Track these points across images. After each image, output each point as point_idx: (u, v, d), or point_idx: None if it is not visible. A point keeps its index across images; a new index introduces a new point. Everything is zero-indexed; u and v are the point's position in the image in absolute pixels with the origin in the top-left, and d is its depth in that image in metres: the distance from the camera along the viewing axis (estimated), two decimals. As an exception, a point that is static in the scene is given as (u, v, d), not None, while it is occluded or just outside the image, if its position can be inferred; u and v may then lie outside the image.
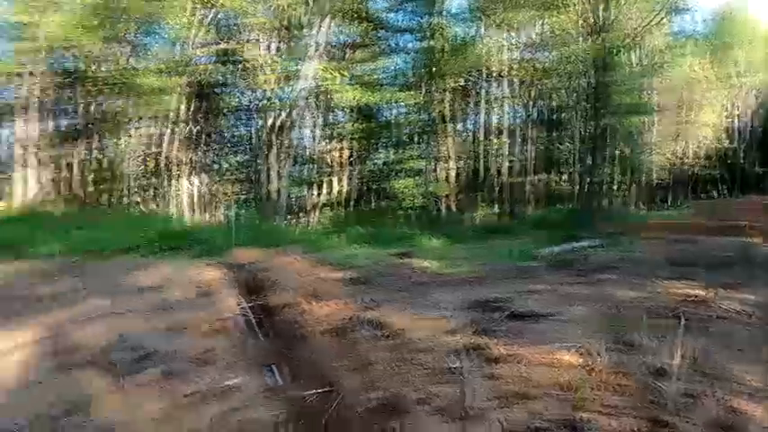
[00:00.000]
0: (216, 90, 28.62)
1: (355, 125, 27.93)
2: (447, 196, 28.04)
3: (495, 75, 29.33)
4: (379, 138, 31.89)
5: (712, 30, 34.01)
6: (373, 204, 33.73)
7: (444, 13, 27.65)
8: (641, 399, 2.97)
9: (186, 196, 26.66)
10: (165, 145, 23.61)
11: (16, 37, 19.72)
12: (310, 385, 4.11)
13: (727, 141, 34.78)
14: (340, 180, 29.88)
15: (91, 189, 24.94)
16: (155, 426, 3.82)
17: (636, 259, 10.30)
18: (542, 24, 26.53)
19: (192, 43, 22.18)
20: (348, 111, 28.51)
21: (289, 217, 24.67)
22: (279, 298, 6.29)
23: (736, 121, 35.00)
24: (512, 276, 8.73)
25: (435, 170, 28.55)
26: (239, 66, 24.46)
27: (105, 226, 14.54)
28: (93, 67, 22.24)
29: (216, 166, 32.88)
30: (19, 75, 19.52)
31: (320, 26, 20.89)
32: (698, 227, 15.39)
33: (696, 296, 6.03)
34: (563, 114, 31.70)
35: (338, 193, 29.76)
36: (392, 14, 29.41)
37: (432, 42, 26.97)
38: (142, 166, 28.01)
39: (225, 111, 30.94)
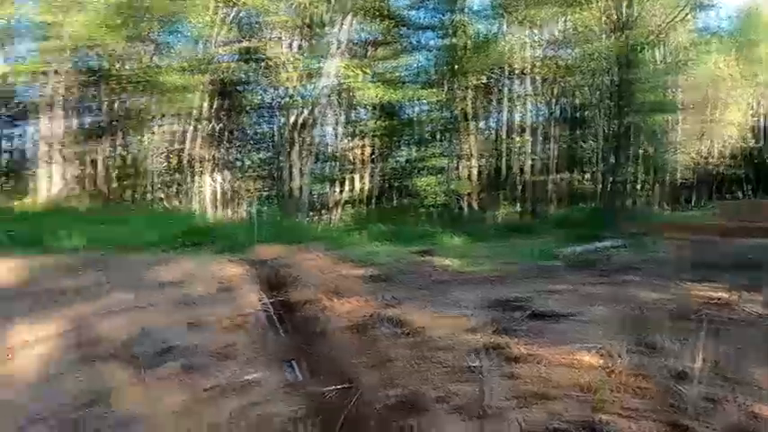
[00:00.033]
0: (238, 88, 28.77)
1: (377, 123, 27.93)
2: (469, 194, 27.95)
3: (517, 72, 29.16)
4: (401, 135, 31.85)
5: (737, 26, 33.42)
6: (395, 202, 33.72)
7: (466, 10, 27.54)
8: (661, 402, 2.94)
9: (209, 193, 26.87)
10: (188, 142, 23.81)
11: (41, 36, 19.99)
12: (330, 381, 4.13)
13: (753, 140, 34.11)
14: (362, 177, 29.90)
15: (115, 185, 25.20)
16: (175, 418, 3.87)
17: (659, 260, 10.20)
18: (565, 21, 26.31)
19: (214, 41, 22.33)
20: (370, 108, 28.51)
21: (311, 214, 24.76)
22: (300, 294, 6.32)
23: (762, 119, 34.33)
24: (533, 275, 8.68)
25: (457, 168, 28.46)
26: (261, 63, 24.58)
27: (129, 221, 14.70)
28: (117, 66, 22.48)
29: (238, 163, 33.07)
30: (44, 73, 19.78)
31: (342, 24, 20.91)
32: (722, 228, 15.19)
33: (719, 299, 5.96)
34: (586, 112, 31.41)
35: (360, 190, 29.77)
36: (414, 12, 29.34)
37: (454, 40, 26.88)
38: (165, 163, 28.26)
39: (247, 108, 31.09)
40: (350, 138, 29.77)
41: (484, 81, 29.08)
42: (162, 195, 27.20)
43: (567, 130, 31.11)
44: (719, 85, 31.01)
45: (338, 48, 21.05)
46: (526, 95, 29.79)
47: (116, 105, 24.45)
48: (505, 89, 29.70)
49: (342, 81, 23.23)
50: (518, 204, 29.02)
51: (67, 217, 15.60)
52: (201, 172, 26.25)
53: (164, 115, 25.47)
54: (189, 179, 25.28)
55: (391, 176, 34.47)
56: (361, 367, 3.95)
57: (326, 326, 5.06)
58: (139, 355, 4.74)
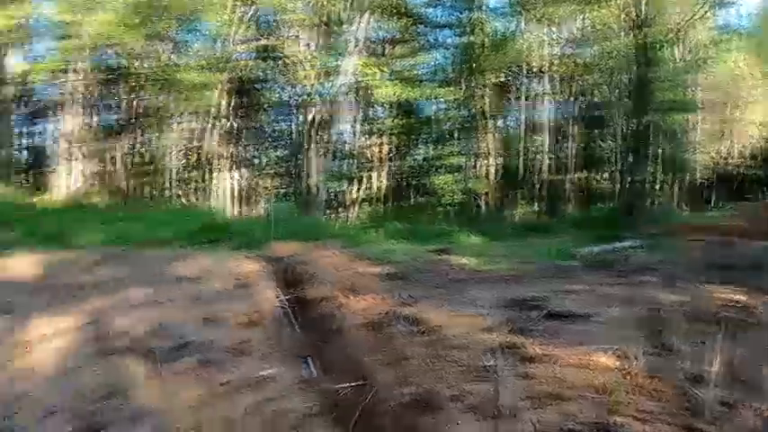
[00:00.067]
0: (256, 86, 28.91)
1: (395, 121, 27.94)
2: (486, 193, 27.88)
3: (535, 70, 29.04)
4: (418, 133, 31.82)
5: (757, 24, 32.96)
6: (412, 200, 33.72)
7: (484, 7, 27.45)
8: (677, 405, 2.92)
9: (227, 190, 27.01)
10: (206, 139, 23.94)
11: (60, 35, 20.18)
12: (344, 378, 4.14)
13: (774, 140, 33.67)
14: (379, 175, 29.92)
15: (133, 182, 25.42)
16: (191, 413, 3.90)
17: (677, 261, 10.10)
18: (583, 19, 26.12)
19: (232, 40, 22.43)
20: (388, 106, 28.52)
21: (328, 211, 24.82)
22: (316, 291, 6.34)
23: (783, 118, 33.85)
24: (550, 275, 8.65)
25: (475, 167, 28.39)
26: (279, 62, 24.67)
27: (147, 218, 14.82)
28: (136, 64, 22.66)
29: (256, 161, 33.24)
30: (63, 72, 19.96)
31: (359, 22, 20.91)
32: (741, 229, 15.02)
33: (738, 301, 5.90)
34: (604, 111, 31.20)
35: (377, 188, 29.80)
36: (431, 9, 29.32)
37: (471, 38, 26.80)
38: (183, 160, 28.48)
39: (265, 106, 31.24)
40: (367, 136, 29.81)
41: (501, 79, 28.99)
42: (180, 192, 27.39)
43: (585, 128, 30.94)
44: (739, 84, 30.62)
45: (356, 46, 21.06)
46: (544, 94, 29.66)
47: (135, 103, 24.66)
48: (523, 87, 29.60)
49: (359, 79, 23.23)
50: (535, 204, 28.91)
51: (86, 213, 15.77)
52: (219, 169, 26.40)
53: (182, 113, 25.65)
54: (207, 176, 25.44)
55: (408, 175, 34.47)
56: (376, 365, 3.96)
57: (342, 323, 5.08)
58: (156, 350, 4.79)
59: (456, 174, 27.24)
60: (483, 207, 28.03)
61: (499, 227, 21.09)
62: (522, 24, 28.12)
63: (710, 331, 4.45)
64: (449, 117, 29.54)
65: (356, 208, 26.72)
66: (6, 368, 4.45)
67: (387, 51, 26.87)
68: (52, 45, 22.05)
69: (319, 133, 23.25)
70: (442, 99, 28.18)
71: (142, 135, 26.76)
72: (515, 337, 4.11)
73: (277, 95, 31.39)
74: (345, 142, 30.76)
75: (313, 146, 22.75)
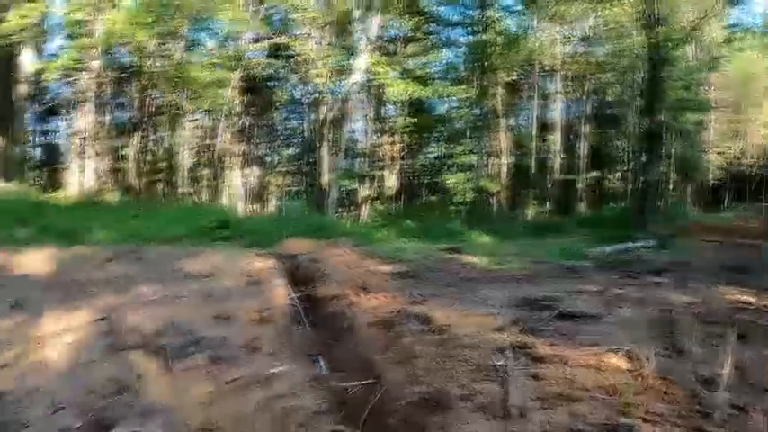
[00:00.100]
0: (268, 84, 29.02)
1: (407, 119, 27.92)
2: (498, 192, 27.82)
3: (547, 69, 28.97)
4: (430, 132, 31.85)
5: (770, 23, 32.68)
6: (424, 199, 33.79)
7: (496, 6, 27.38)
8: (687, 408, 2.90)
9: (238, 188, 27.11)
10: (218, 137, 24.01)
11: (74, 34, 20.29)
12: (354, 376, 4.15)
13: (789, 141, 33.36)
14: (391, 174, 29.95)
15: (145, 180, 25.55)
16: (201, 409, 3.92)
17: (689, 262, 10.06)
18: (596, 17, 25.98)
19: (244, 38, 22.48)
20: (399, 105, 28.53)
21: (339, 209, 24.84)
22: (327, 289, 6.36)
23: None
24: (561, 275, 8.63)
25: (487, 165, 28.35)
26: (291, 60, 24.71)
27: (159, 215, 14.89)
28: (148, 62, 22.74)
29: (268, 159, 33.39)
30: (77, 70, 20.07)
31: (371, 20, 20.90)
32: (754, 230, 14.95)
33: (750, 303, 5.86)
34: (617, 110, 31.08)
35: (389, 186, 29.83)
36: (443, 8, 29.32)
37: (484, 36, 26.74)
38: (195, 158, 28.64)
39: (277, 104, 31.37)
40: (379, 134, 29.83)
41: (513, 78, 28.93)
42: (192, 190, 27.54)
43: (597, 128, 30.85)
44: (754, 83, 30.36)
45: (367, 44, 21.04)
46: (556, 93, 29.58)
47: (147, 101, 24.77)
48: (535, 86, 29.51)
49: (371, 77, 23.23)
50: (547, 203, 28.82)
51: (99, 210, 15.87)
52: (231, 167, 26.50)
53: (194, 111, 25.78)
54: (218, 174, 25.52)
55: (420, 173, 34.53)
56: (386, 363, 3.97)
57: (353, 321, 5.09)
58: (167, 347, 4.81)
59: (468, 172, 27.17)
60: (494, 206, 27.98)
61: (510, 226, 21.04)
62: (535, 23, 28.03)
63: (722, 333, 4.43)
64: (460, 116, 29.50)
65: (368, 206, 26.74)
66: (19, 363, 4.49)
67: (398, 50, 26.87)
68: (65, 44, 22.22)
69: (331, 131, 23.26)
70: (453, 98, 28.10)
71: (154, 133, 26.94)
72: (526, 336, 4.10)
73: (289, 94, 31.52)
74: (357, 141, 30.83)
75: (325, 144, 22.78)
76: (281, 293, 6.62)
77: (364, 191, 28.30)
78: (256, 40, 23.50)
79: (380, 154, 29.97)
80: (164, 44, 22.05)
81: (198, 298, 6.27)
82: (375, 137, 30.26)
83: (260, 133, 31.86)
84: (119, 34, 18.97)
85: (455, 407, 3.02)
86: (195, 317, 5.61)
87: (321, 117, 24.12)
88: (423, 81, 25.28)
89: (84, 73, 20.25)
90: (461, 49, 30.73)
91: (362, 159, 30.80)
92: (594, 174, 30.81)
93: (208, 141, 26.64)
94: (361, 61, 20.93)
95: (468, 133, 29.34)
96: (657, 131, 19.76)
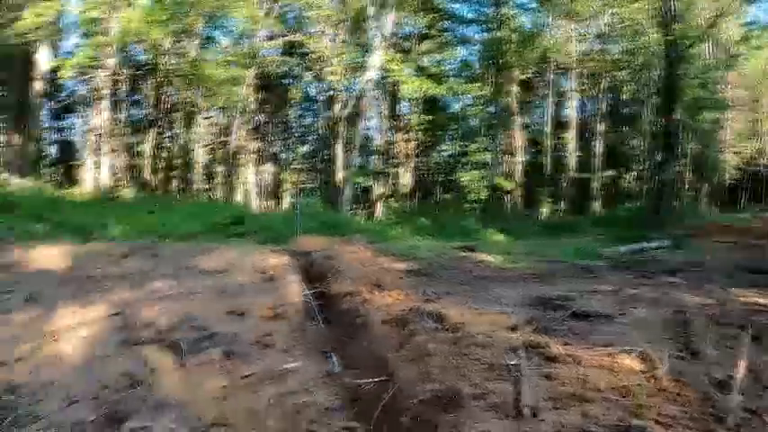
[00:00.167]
0: (283, 81, 29.09)
1: (421, 117, 27.90)
2: (512, 190, 27.74)
3: (562, 66, 28.82)
4: (444, 130, 31.82)
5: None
6: (438, 197, 33.76)
7: (511, 3, 27.29)
8: (700, 410, 2.88)
9: (253, 184, 27.20)
10: (232, 134, 24.10)
11: (89, 32, 20.42)
12: (367, 373, 4.16)
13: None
14: (405, 171, 29.94)
15: (161, 176, 25.70)
16: (214, 403, 3.95)
17: (704, 263, 9.99)
18: (611, 15, 25.82)
19: (258, 36, 22.53)
20: (414, 102, 28.51)
21: (354, 207, 24.87)
22: (341, 286, 6.37)
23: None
24: (576, 275, 8.60)
25: (501, 163, 28.27)
26: (306, 57, 24.75)
27: (174, 212, 14.99)
28: (164, 60, 22.85)
29: (282, 156, 33.49)
30: (92, 68, 20.20)
31: (386, 17, 20.88)
32: (772, 231, 14.82)
33: (765, 305, 5.79)
34: (632, 108, 30.89)
35: (403, 184, 29.83)
36: (458, 5, 29.30)
37: (498, 33, 26.65)
38: (210, 155, 28.77)
39: (291, 101, 31.45)
40: (393, 132, 29.82)
41: (528, 75, 28.83)
42: (207, 186, 27.69)
43: (613, 126, 30.66)
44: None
45: (382, 41, 21.02)
46: (571, 91, 29.43)
47: (162, 98, 24.90)
48: (550, 84, 29.39)
49: (385, 75, 23.22)
50: (562, 202, 28.70)
51: (114, 206, 15.98)
52: (246, 164, 26.60)
53: (209, 108, 25.88)
54: (233, 171, 25.62)
55: (434, 171, 34.51)
56: (399, 361, 3.98)
57: (366, 318, 5.10)
58: (181, 342, 4.85)
59: (482, 170, 27.13)
60: (509, 204, 27.90)
61: (525, 225, 20.99)
62: (549, 20, 27.90)
63: (736, 335, 4.39)
64: (475, 113, 29.43)
65: (382, 203, 26.75)
66: (34, 357, 4.54)
67: (413, 47, 26.83)
68: (81, 42, 22.37)
69: (345, 129, 23.29)
70: (468, 95, 28.02)
71: (170, 130, 27.09)
72: (539, 336, 4.09)
73: (303, 91, 31.58)
74: (371, 138, 30.85)
75: (339, 141, 22.82)
76: (294, 290, 6.64)
77: (378, 188, 28.32)
78: (271, 38, 23.55)
79: (395, 151, 29.98)
80: (179, 42, 22.16)
81: (212, 294, 6.31)
82: (389, 134, 30.26)
83: (274, 130, 31.97)
84: (134, 32, 19.09)
85: (467, 405, 3.02)
86: (209, 312, 5.65)
87: (335, 114, 24.16)
88: (437, 78, 25.24)
89: (99, 70, 20.39)
90: (476, 47, 30.70)
91: (377, 157, 30.82)
92: (609, 173, 30.63)
93: (222, 138, 26.76)
94: (376, 58, 20.92)
95: (482, 131, 29.28)
96: (673, 130, 19.60)
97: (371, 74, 21.25)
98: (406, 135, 29.69)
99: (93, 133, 21.51)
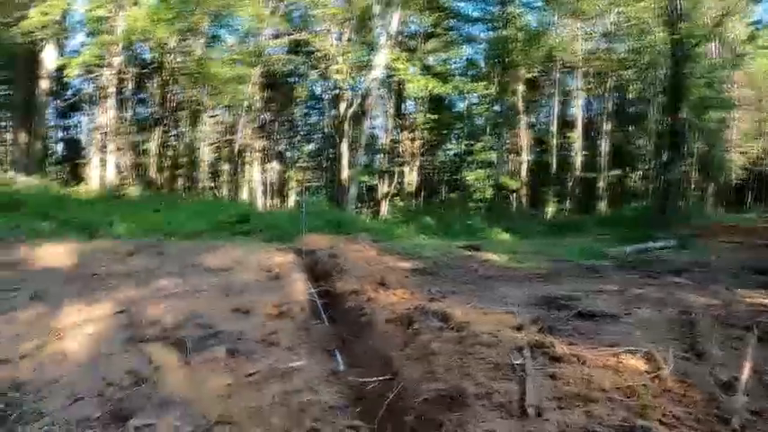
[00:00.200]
0: (288, 80, 29.11)
1: (427, 115, 27.90)
2: (518, 189, 27.73)
3: (568, 65, 28.78)
4: (450, 129, 31.82)
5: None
6: (443, 195, 33.78)
7: (517, 2, 27.26)
8: (705, 412, 2.87)
9: (258, 183, 27.25)
10: (238, 133, 24.14)
11: (95, 31, 20.48)
12: (371, 372, 4.16)
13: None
14: (411, 170, 29.95)
15: (166, 174, 25.75)
16: (218, 401, 3.96)
17: (710, 263, 9.96)
18: (618, 14, 25.76)
19: (264, 34, 22.55)
20: (420, 101, 28.51)
21: (359, 205, 24.90)
22: (346, 284, 6.38)
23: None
24: (581, 274, 8.59)
25: (507, 162, 28.27)
26: (311, 56, 24.77)
27: (180, 210, 15.03)
28: (169, 59, 22.90)
29: (288, 154, 33.55)
30: (98, 66, 20.25)
31: (392, 16, 20.87)
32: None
33: (772, 307, 5.77)
34: (638, 108, 30.82)
35: (408, 182, 29.84)
36: (463, 3, 29.30)
37: (504, 32, 26.63)
38: (216, 153, 28.83)
39: (297, 100, 31.48)
40: (399, 130, 29.84)
41: (534, 74, 28.79)
42: (212, 185, 27.75)
43: (619, 125, 30.60)
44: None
45: (387, 40, 21.02)
46: (577, 89, 29.39)
47: (168, 97, 24.95)
48: (556, 83, 29.35)
49: (391, 73, 23.22)
50: (567, 201, 28.67)
51: (120, 204, 16.03)
52: (251, 162, 26.65)
53: (215, 107, 25.93)
54: (239, 169, 25.67)
55: (440, 170, 34.53)
56: (404, 360, 3.97)
57: (371, 317, 5.10)
58: (186, 339, 4.86)
59: (487, 169, 27.12)
60: (514, 203, 27.90)
61: (530, 224, 20.99)
62: (555, 18, 27.86)
63: (742, 336, 4.38)
64: (481, 112, 29.43)
65: (387, 202, 26.77)
66: (38, 354, 4.56)
67: (419, 45, 26.83)
68: (87, 40, 22.43)
69: (351, 127, 23.31)
70: (473, 94, 28.02)
71: (175, 128, 27.14)
72: (544, 336, 4.08)
73: (309, 90, 31.61)
74: (377, 137, 30.88)
75: (344, 140, 22.83)
76: (299, 288, 6.65)
77: (384, 187, 28.34)
78: (276, 37, 23.57)
79: (400, 150, 29.99)
80: (184, 40, 22.20)
81: (217, 292, 6.33)
82: (395, 133, 30.27)
83: (280, 129, 32.01)
84: (140, 31, 19.12)
85: (472, 405, 3.01)
86: (214, 310, 5.67)
87: (341, 113, 24.17)
88: (443, 77, 25.22)
89: (105, 69, 20.44)
90: (482, 46, 30.69)
91: (382, 155, 30.84)
92: (615, 172, 30.59)
93: (228, 137, 26.81)
94: (382, 57, 20.92)
95: (488, 130, 29.26)
96: (679, 129, 19.54)
97: (377, 72, 21.26)
98: (412, 134, 29.69)
99: (99, 131, 21.56)
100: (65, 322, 5.15)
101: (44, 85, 20.92)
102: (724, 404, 2.99)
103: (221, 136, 27.95)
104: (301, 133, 35.10)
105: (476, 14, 29.60)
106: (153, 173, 24.65)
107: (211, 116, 27.33)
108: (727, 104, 26.70)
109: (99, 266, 7.12)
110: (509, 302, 6.08)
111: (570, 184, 28.97)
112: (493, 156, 27.52)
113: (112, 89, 21.07)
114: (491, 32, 29.17)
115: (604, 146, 29.14)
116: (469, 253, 10.74)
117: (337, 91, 25.78)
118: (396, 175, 29.21)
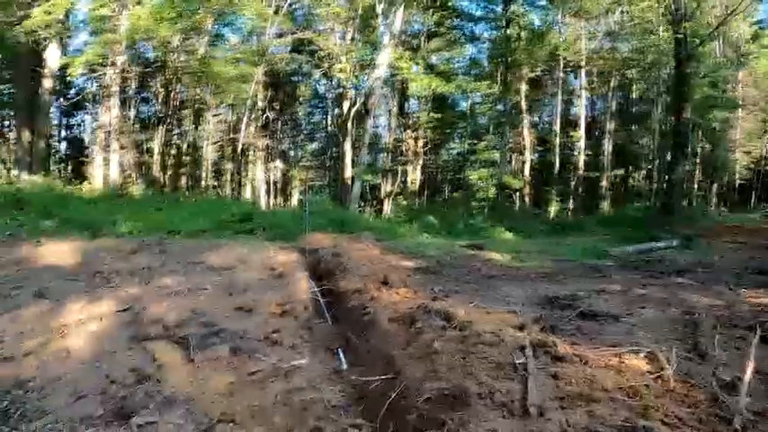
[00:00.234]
0: (292, 79, 29.14)
1: (430, 114, 27.91)
2: (521, 189, 27.72)
3: (572, 65, 28.75)
4: (453, 128, 31.83)
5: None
6: (446, 194, 33.80)
7: (520, 1, 27.21)
8: (707, 412, 2.87)
9: (261, 181, 27.26)
10: (241, 132, 24.16)
11: (98, 30, 20.50)
12: (374, 371, 4.16)
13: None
14: (414, 169, 29.97)
15: (170, 173, 25.78)
16: (221, 399, 3.96)
17: (713, 263, 9.95)
18: (621, 13, 25.72)
19: (267, 33, 22.56)
20: (423, 100, 28.52)
21: (362, 204, 24.91)
22: (349, 283, 6.37)
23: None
24: (584, 274, 8.59)
25: (510, 162, 28.27)
26: (314, 55, 24.79)
27: (183, 208, 15.05)
28: (173, 57, 22.92)
29: (291, 153, 33.57)
30: (101, 65, 20.27)
31: (395, 15, 20.87)
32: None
33: (774, 306, 5.76)
34: (642, 107, 30.78)
35: (412, 181, 29.86)
36: (467, 2, 29.27)
37: (507, 31, 26.60)
38: (219, 152, 28.87)
39: (300, 99, 31.51)
40: (402, 129, 29.85)
41: (537, 74, 28.77)
42: (216, 183, 27.78)
43: (622, 125, 30.57)
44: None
45: (391, 39, 21.02)
46: (580, 89, 29.36)
47: (171, 96, 24.98)
48: (559, 82, 29.32)
49: (394, 72, 23.22)
50: (570, 200, 28.66)
51: (123, 203, 16.06)
52: (254, 161, 26.67)
53: (218, 105, 25.95)
54: (242, 168, 25.69)
55: (443, 169, 34.54)
56: (406, 359, 3.97)
57: (374, 316, 5.10)
58: (189, 337, 4.86)
59: (490, 169, 27.14)
60: (517, 203, 27.89)
61: (533, 223, 20.97)
62: (559, 18, 27.82)
63: (745, 336, 4.38)
64: (484, 111, 29.43)
65: (390, 201, 26.78)
66: (42, 352, 4.57)
67: (422, 45, 26.82)
68: (90, 39, 22.45)
69: (354, 126, 23.31)
70: (477, 93, 28.03)
71: (179, 127, 27.17)
72: (547, 335, 4.07)
73: (312, 88, 31.64)
74: (380, 136, 30.90)
75: (348, 139, 22.84)
76: (302, 287, 6.65)
77: (387, 186, 28.35)
78: (280, 35, 23.58)
79: (403, 149, 30.00)
80: (188, 39, 22.19)
81: (220, 290, 6.33)
82: (398, 132, 30.28)
83: (283, 128, 32.03)
84: (143, 29, 19.13)
85: (474, 404, 3.01)
86: (217, 309, 5.67)
87: (344, 112, 24.18)
88: (446, 76, 25.23)
89: (108, 68, 20.45)
90: (485, 45, 30.69)
91: (385, 154, 30.86)
92: (619, 171, 30.56)
93: (231, 135, 26.84)
94: (385, 56, 20.92)
95: (491, 129, 29.26)
96: (683, 129, 19.52)
97: (380, 71, 21.26)
98: (415, 133, 29.70)
99: (103, 130, 21.59)
100: (68, 320, 5.16)
101: (47, 83, 20.94)
102: (726, 405, 2.99)
103: (224, 135, 27.98)
104: (304, 132, 35.13)
105: (479, 13, 29.63)
106: (156, 171, 24.67)
107: (215, 115, 27.37)
108: (731, 104, 26.67)
109: (102, 264, 7.13)
110: (512, 302, 6.09)
111: (573, 183, 28.94)
112: (496, 155, 27.51)
113: (116, 88, 21.08)
114: (494, 31, 29.16)
115: (608, 145, 29.09)
116: (472, 252, 10.76)
117: (341, 90, 25.80)
118: (399, 174, 29.22)
